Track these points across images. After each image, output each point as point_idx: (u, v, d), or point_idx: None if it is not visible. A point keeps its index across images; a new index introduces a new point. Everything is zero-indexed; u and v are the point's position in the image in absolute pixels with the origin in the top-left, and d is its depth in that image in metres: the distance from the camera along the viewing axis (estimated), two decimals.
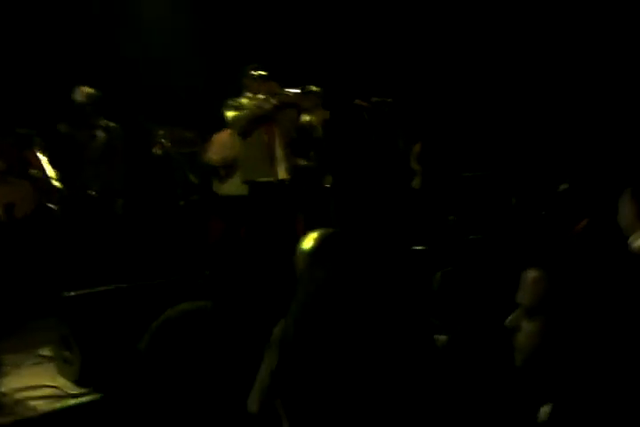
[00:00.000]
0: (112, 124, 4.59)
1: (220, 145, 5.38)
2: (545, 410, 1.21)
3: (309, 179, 5.26)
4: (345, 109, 5.29)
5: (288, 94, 4.81)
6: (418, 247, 4.13)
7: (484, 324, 1.95)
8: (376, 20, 6.81)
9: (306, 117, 5.27)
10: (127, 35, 5.79)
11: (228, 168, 5.18)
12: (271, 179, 4.80)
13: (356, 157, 5.50)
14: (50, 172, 3.75)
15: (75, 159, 4.35)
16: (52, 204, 3.75)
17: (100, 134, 4.51)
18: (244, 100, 4.85)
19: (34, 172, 4.11)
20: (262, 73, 4.85)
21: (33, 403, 2.96)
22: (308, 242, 1.89)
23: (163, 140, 4.54)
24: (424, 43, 6.76)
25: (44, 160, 3.83)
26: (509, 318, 1.28)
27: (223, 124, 5.01)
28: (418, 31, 6.78)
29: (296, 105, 5.01)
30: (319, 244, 1.86)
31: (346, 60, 6.58)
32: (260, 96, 4.75)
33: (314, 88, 5.26)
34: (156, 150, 4.54)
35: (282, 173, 4.86)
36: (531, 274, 1.16)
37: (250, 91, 4.87)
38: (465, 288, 2.99)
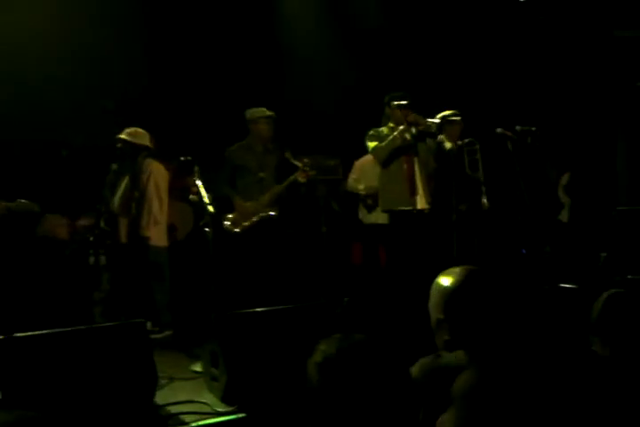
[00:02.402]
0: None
1: (362, 173, 5.50)
2: None
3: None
4: (488, 139, 5.17)
5: (429, 124, 4.81)
6: (567, 285, 3.91)
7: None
8: (514, 48, 6.63)
9: (446, 143, 5.21)
10: (277, 61, 6.10)
11: (374, 197, 5.28)
12: (410, 208, 4.81)
13: (500, 188, 5.34)
14: (205, 197, 4.04)
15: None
16: (207, 227, 4.02)
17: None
18: (385, 130, 4.92)
19: (193, 197, 4.47)
20: (404, 102, 4.90)
21: (182, 417, 3.16)
22: (448, 278, 1.85)
23: (306, 168, 4.72)
24: (570, 67, 6.45)
25: (200, 186, 4.13)
26: None
27: (364, 151, 5.13)
28: (562, 55, 6.49)
29: (436, 135, 4.99)
30: (461, 282, 1.82)
31: (488, 89, 6.45)
32: (401, 127, 4.80)
33: (456, 118, 5.19)
34: (301, 178, 4.74)
35: (421, 203, 4.86)
36: None
37: (392, 120, 4.94)
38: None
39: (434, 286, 1.84)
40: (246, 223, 4.78)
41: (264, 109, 4.89)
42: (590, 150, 6.06)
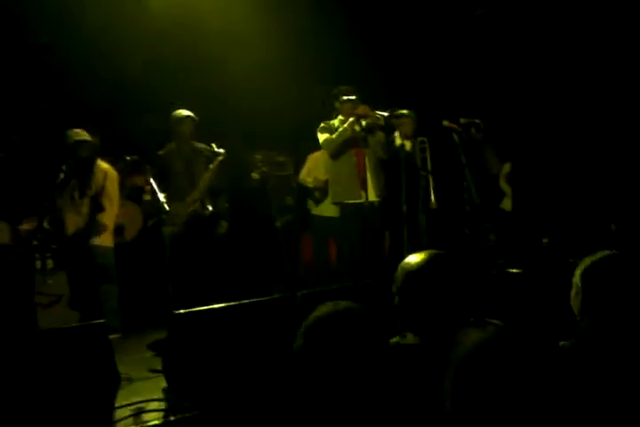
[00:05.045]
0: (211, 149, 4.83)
1: (314, 166, 5.56)
2: None
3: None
4: (435, 131, 5.31)
5: (378, 117, 4.91)
6: (512, 270, 4.08)
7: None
8: (460, 39, 6.80)
9: (397, 140, 5.32)
10: (222, 60, 6.04)
11: (322, 190, 5.34)
12: (360, 200, 4.89)
13: (447, 180, 5.50)
14: (160, 196, 4.00)
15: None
16: (162, 226, 3.99)
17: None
18: (336, 122, 4.99)
19: (146, 197, 4.43)
20: (353, 97, 4.99)
21: (144, 416, 3.12)
22: (416, 262, 1.91)
23: (260, 164, 4.74)
24: (513, 59, 6.66)
25: (154, 185, 4.09)
26: None
27: (316, 147, 5.20)
28: (506, 47, 6.68)
29: (385, 127, 5.09)
30: (427, 265, 1.89)
31: (434, 82, 6.59)
32: (351, 119, 4.88)
33: (404, 111, 5.30)
34: (255, 174, 4.75)
35: (371, 195, 4.94)
36: None
37: (341, 113, 5.02)
38: None
39: (400, 269, 1.90)
40: (179, 220, 4.65)
41: (185, 111, 4.83)
42: (532, 141, 6.28)
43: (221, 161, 4.67)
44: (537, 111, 6.35)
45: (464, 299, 1.88)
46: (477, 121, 5.13)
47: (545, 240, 5.25)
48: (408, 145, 5.45)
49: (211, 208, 4.67)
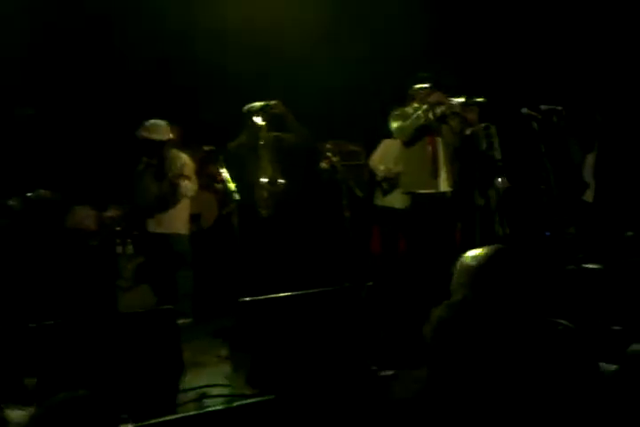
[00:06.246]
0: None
1: (386, 153, 5.45)
2: None
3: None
4: (512, 119, 5.10)
5: (453, 104, 4.76)
6: (591, 266, 3.87)
7: None
8: (540, 24, 6.49)
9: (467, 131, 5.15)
10: (291, 49, 6.07)
11: (390, 181, 5.26)
12: (432, 191, 4.78)
13: (524, 168, 5.28)
14: (231, 186, 4.09)
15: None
16: (232, 215, 4.08)
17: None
18: (409, 110, 4.87)
19: (218, 186, 4.54)
20: (426, 85, 4.85)
21: (209, 401, 3.22)
22: (475, 258, 1.84)
23: (329, 154, 4.72)
24: (597, 40, 6.28)
25: (225, 175, 4.18)
26: None
27: (388, 135, 5.12)
28: (588, 30, 6.32)
29: (460, 114, 4.91)
30: (487, 261, 1.82)
31: (512, 67, 6.34)
32: (425, 106, 4.75)
33: (479, 98, 5.11)
34: (324, 164, 4.75)
35: (444, 186, 4.82)
36: None
37: (415, 100, 4.89)
38: None
39: (459, 265, 1.83)
40: (264, 203, 4.70)
41: (258, 103, 4.84)
42: (618, 129, 5.92)
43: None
44: (626, 98, 5.96)
45: (529, 297, 1.80)
46: (559, 108, 4.86)
47: (629, 233, 4.93)
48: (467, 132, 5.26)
49: (282, 180, 4.68)
